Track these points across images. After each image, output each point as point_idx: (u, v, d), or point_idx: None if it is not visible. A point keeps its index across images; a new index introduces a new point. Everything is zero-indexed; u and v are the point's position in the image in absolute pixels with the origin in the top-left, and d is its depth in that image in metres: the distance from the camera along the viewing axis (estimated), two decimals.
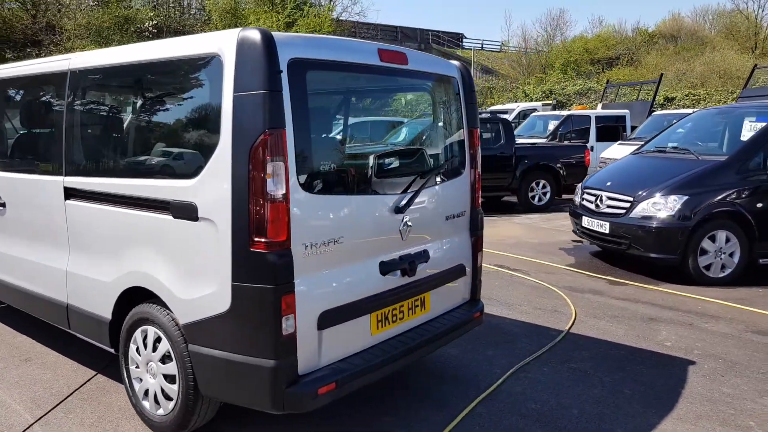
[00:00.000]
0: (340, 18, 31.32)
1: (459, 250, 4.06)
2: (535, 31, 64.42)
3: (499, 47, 49.53)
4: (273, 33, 2.82)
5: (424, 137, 4.28)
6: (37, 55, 20.62)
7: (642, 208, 6.93)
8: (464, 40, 50.17)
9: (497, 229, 10.16)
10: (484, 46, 49.91)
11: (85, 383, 4.07)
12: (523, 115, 19.33)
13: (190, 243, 3.06)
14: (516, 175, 12.20)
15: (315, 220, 3.00)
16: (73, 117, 3.82)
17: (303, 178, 2.91)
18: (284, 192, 2.78)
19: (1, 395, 3.91)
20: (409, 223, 3.52)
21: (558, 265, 7.62)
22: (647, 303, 6.06)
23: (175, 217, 3.11)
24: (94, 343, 3.82)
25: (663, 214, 6.74)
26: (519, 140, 15.55)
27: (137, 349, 3.47)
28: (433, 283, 3.77)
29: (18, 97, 4.69)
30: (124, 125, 3.77)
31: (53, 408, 3.73)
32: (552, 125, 15.89)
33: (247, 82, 2.75)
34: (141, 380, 3.49)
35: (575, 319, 5.55)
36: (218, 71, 2.86)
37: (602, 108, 18.16)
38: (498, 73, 42.28)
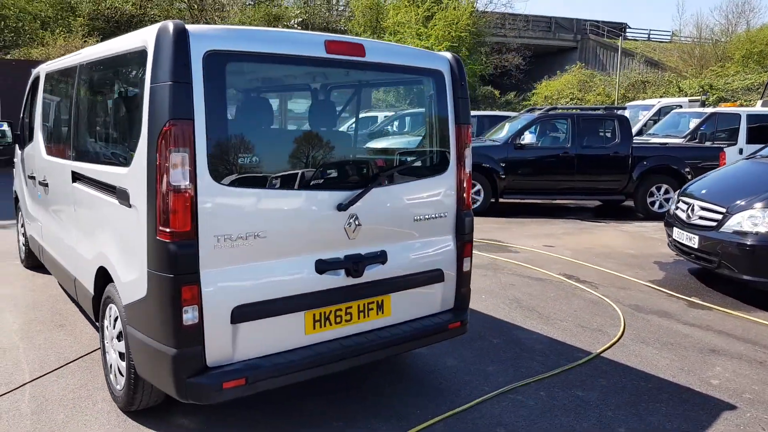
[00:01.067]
0: (486, 9, 30.65)
1: (437, 253, 3.77)
2: (713, 19, 57.92)
3: (669, 38, 45.27)
4: (191, 26, 2.82)
5: (386, 133, 4.03)
6: None
7: (736, 222, 5.95)
8: (627, 30, 46.57)
9: (593, 236, 9.33)
10: (651, 36, 45.95)
11: (89, 353, 4.42)
12: (665, 112, 17.50)
13: (127, 227, 3.17)
14: (632, 178, 11.10)
15: (230, 213, 2.95)
16: (72, 106, 4.22)
17: (217, 170, 2.87)
18: (188, 183, 2.77)
19: (20, 355, 4.38)
20: (358, 222, 3.34)
21: (638, 280, 6.81)
22: (720, 332, 5.19)
23: (119, 202, 3.24)
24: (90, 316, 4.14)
25: (762, 230, 5.73)
26: (652, 139, 14.15)
27: (106, 326, 3.69)
28: (394, 286, 3.54)
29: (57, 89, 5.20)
30: (89, 115, 4.13)
31: (50, 372, 4.10)
32: (694, 124, 14.22)
33: (160, 73, 2.78)
34: (108, 354, 3.71)
35: (617, 341, 4.92)
36: (144, 64, 2.93)
37: (762, 105, 15.84)
38: (665, 66, 38.66)
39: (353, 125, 3.80)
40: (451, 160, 3.78)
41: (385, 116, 4.73)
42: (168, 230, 2.79)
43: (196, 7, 25.95)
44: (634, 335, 5.08)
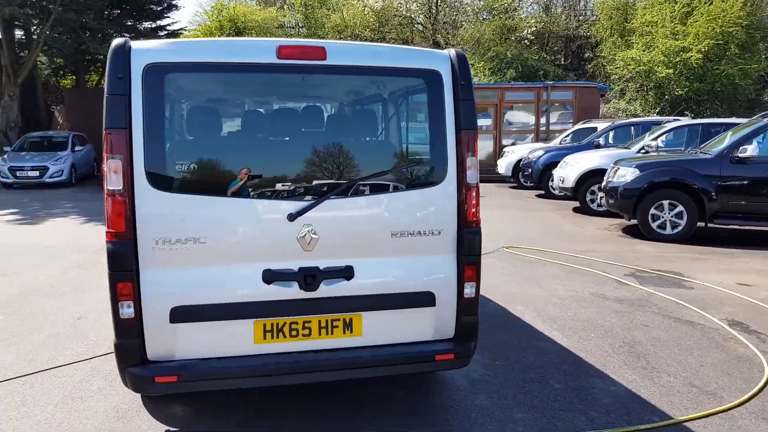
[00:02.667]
0: None
1: (426, 274, 3.38)
2: None
3: None
4: (136, 42, 3.05)
5: (356, 139, 3.64)
6: None
7: None
8: None
9: None
10: None
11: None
12: None
13: None
14: None
15: (168, 217, 3.06)
16: None
17: (154, 176, 3.03)
18: (121, 188, 2.98)
19: (33, 342, 5.10)
20: (315, 234, 3.18)
21: None
22: None
23: None
24: None
25: None
26: None
27: None
28: (365, 305, 3.28)
29: None
30: None
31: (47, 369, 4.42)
32: None
33: (106, 86, 3.05)
34: None
35: (725, 410, 3.77)
36: None
37: None
38: None
39: (313, 133, 3.61)
40: (449, 171, 3.35)
41: (363, 122, 4.21)
42: (109, 231, 3.03)
43: (430, 27, 27.07)
44: (763, 407, 3.82)
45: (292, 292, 3.19)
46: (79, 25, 19.41)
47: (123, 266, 3.03)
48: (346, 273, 3.25)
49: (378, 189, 3.36)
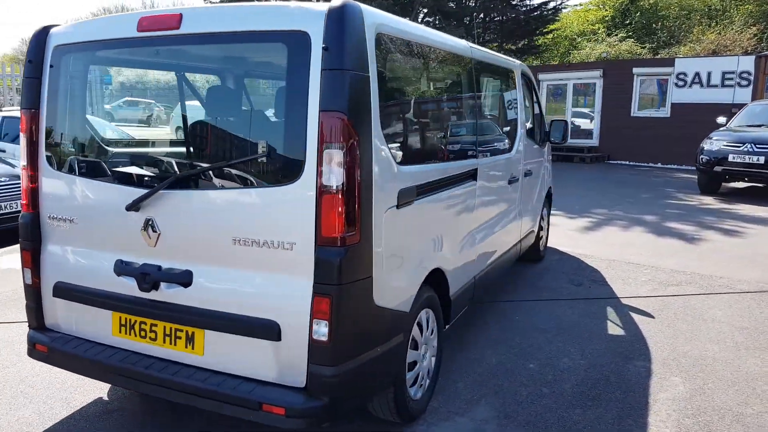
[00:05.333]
0: None
1: (273, 299, 2.61)
2: None
3: None
4: (56, 25, 3.11)
5: (211, 121, 2.70)
6: None
7: None
8: None
9: None
10: None
11: None
12: None
13: None
14: None
15: (55, 195, 3.10)
16: None
17: (50, 154, 3.10)
18: (25, 164, 3.14)
19: None
20: (156, 229, 2.78)
21: None
22: None
23: None
24: None
25: None
26: None
27: None
28: (206, 320, 2.74)
29: None
30: None
31: None
32: None
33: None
34: None
35: None
36: None
37: None
38: None
39: (167, 114, 2.94)
40: (307, 167, 2.48)
41: (218, 101, 2.91)
42: (23, 203, 3.25)
43: None
44: None
45: (134, 288, 2.87)
46: None
47: (25, 236, 3.20)
48: (184, 279, 2.75)
49: (222, 183, 2.71)
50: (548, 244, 7.29)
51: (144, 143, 3.23)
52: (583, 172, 15.68)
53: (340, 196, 2.45)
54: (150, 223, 2.79)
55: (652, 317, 5.04)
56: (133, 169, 2.94)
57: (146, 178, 2.86)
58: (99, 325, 3.05)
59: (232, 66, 3.16)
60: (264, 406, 2.56)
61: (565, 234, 8.15)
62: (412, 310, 3.10)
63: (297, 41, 2.46)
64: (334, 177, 2.44)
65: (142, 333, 2.92)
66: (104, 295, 2.98)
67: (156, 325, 2.87)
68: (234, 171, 2.68)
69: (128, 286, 2.90)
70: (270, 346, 2.62)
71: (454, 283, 3.71)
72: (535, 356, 4.22)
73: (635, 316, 5.05)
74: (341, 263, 2.47)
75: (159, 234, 2.79)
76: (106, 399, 3.60)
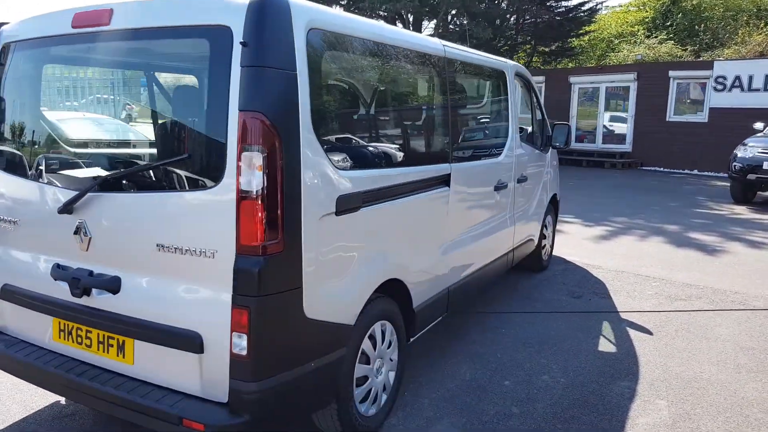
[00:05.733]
0: None
1: (196, 308, 2.50)
2: None
3: None
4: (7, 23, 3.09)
5: (142, 122, 2.57)
6: None
7: None
8: None
9: None
10: None
11: None
12: None
13: None
14: None
15: (2, 194, 3.06)
16: None
17: None
18: None
19: None
20: (88, 233, 2.70)
21: None
22: None
23: None
24: None
25: None
26: None
27: None
28: (133, 330, 2.64)
29: None
30: None
31: None
32: None
33: None
34: None
35: None
36: None
37: None
38: None
39: (100, 114, 2.83)
40: (227, 170, 2.36)
41: (150, 101, 2.77)
42: None
43: None
44: None
45: (68, 294, 2.80)
46: None
47: None
48: (112, 285, 2.66)
49: (148, 186, 2.62)
50: (556, 253, 7.01)
51: (79, 144, 3.16)
52: (612, 179, 15.18)
53: (260, 202, 2.31)
54: (81, 227, 2.72)
55: (650, 333, 4.74)
56: (67, 171, 2.87)
57: (78, 181, 2.78)
58: (41, 330, 2.99)
59: (160, 64, 3.06)
60: (185, 421, 2.44)
61: (578, 243, 7.84)
62: (359, 322, 2.94)
63: (219, 36, 2.35)
64: (254, 181, 2.31)
65: (79, 339, 2.84)
66: (43, 299, 2.92)
67: (90, 332, 2.79)
68: (157, 174, 2.58)
69: (64, 291, 2.83)
70: (195, 358, 2.50)
71: (420, 295, 3.53)
72: (514, 373, 4.00)
73: (632, 332, 4.76)
74: (261, 273, 2.34)
75: (90, 238, 2.71)
76: (63, 403, 3.56)
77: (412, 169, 3.38)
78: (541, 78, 19.82)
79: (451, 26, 21.54)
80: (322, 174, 2.59)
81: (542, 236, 6.14)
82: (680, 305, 5.42)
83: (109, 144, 2.89)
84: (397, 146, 3.46)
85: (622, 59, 23.98)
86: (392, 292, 3.30)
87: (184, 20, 2.46)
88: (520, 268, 6.18)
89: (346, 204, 2.75)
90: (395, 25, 21.82)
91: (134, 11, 2.59)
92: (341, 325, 2.80)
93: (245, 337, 2.37)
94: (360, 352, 3.02)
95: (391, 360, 3.35)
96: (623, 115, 18.45)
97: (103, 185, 2.67)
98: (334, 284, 2.73)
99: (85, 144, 3.00)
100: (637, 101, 17.73)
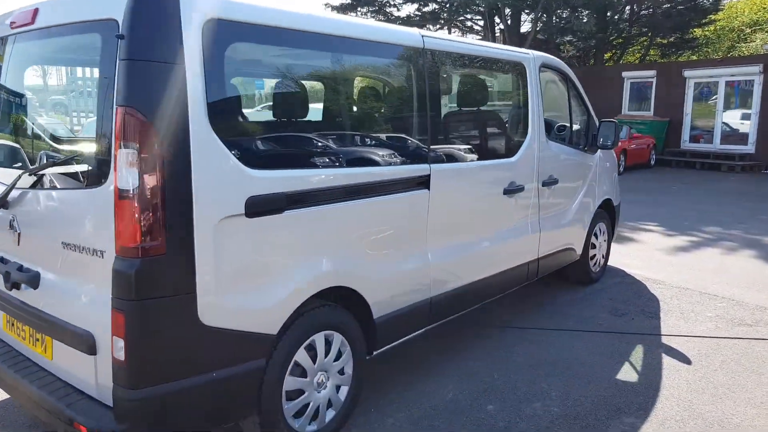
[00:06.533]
0: None
1: (91, 308, 2.44)
2: None
3: None
4: None
5: (59, 119, 2.44)
6: None
7: None
8: None
9: None
10: None
11: None
12: None
13: None
14: None
15: None
16: None
17: None
18: None
19: None
20: (18, 228, 2.74)
21: None
22: None
23: None
24: None
25: None
26: None
27: None
28: (49, 327, 2.64)
29: None
30: None
31: None
32: None
33: None
34: None
35: None
36: None
37: None
38: None
39: (23, 113, 2.75)
40: (112, 166, 2.27)
41: (65, 100, 2.45)
42: None
43: None
44: None
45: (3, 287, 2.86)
46: None
47: None
48: (33, 280, 2.68)
49: (53, 183, 2.58)
50: (616, 265, 6.35)
51: (16, 139, 3.22)
52: (725, 183, 13.64)
53: (136, 202, 2.20)
54: (12, 222, 2.76)
55: (688, 363, 4.09)
56: (5, 165, 2.94)
57: (8, 175, 2.83)
58: None
59: (71, 59, 3.03)
60: (75, 423, 2.39)
61: (648, 253, 7.05)
62: (287, 332, 2.75)
63: (108, 30, 2.26)
64: (131, 180, 2.20)
65: (19, 333, 2.90)
66: None
67: (25, 327, 2.84)
68: (63, 171, 2.55)
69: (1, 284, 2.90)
70: (91, 359, 2.44)
71: (384, 306, 3.26)
72: (503, 397, 3.60)
73: (666, 360, 4.14)
74: (137, 276, 2.22)
75: (19, 233, 2.75)
76: None
77: (368, 170, 3.11)
78: (651, 72, 18.29)
79: (555, 20, 20.50)
80: (224, 173, 2.43)
81: (590, 245, 5.56)
82: (740, 331, 4.66)
83: (31, 140, 2.91)
84: (341, 144, 3.21)
85: (754, 50, 21.60)
86: (346, 301, 3.08)
87: (85, 15, 2.41)
88: (564, 280, 5.65)
89: (262, 206, 2.56)
90: (492, 20, 21.14)
91: (50, 8, 2.58)
92: (257, 335, 2.62)
93: (122, 341, 2.26)
94: (293, 363, 2.83)
95: (342, 374, 3.11)
96: (747, 112, 16.54)
97: (25, 181, 2.69)
98: (245, 291, 2.56)
99: (17, 140, 3.05)
100: (762, 97, 15.81)
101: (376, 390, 3.59)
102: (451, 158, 3.76)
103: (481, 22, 21.90)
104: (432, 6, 21.67)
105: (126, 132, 2.17)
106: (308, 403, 2.94)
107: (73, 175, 2.53)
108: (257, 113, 2.86)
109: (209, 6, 2.38)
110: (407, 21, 21.95)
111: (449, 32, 24.96)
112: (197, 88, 2.30)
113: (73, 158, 2.52)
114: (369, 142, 3.31)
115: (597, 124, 5.31)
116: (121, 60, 2.18)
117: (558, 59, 5.04)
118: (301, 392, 2.90)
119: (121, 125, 2.18)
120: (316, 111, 3.27)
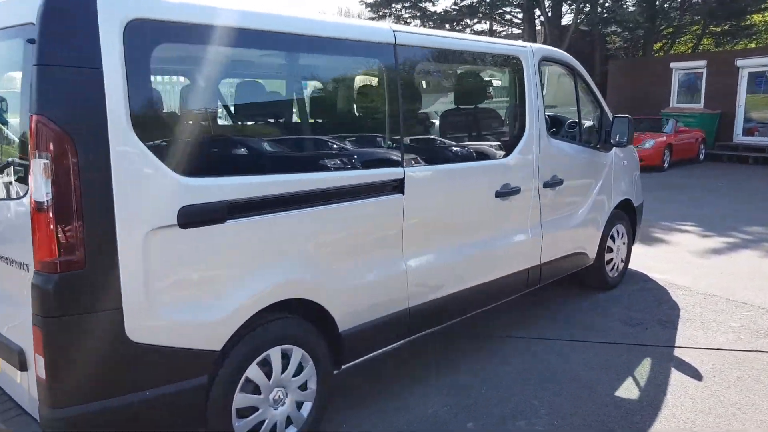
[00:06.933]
0: None
1: (20, 323, 2.37)
2: None
3: None
4: None
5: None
6: None
7: None
8: None
9: None
10: None
11: None
12: None
13: None
14: None
15: None
16: None
17: None
18: None
19: None
20: None
21: None
22: None
23: None
24: None
25: None
26: None
27: None
28: None
29: None
30: None
31: None
32: None
33: None
34: None
35: None
36: None
37: None
38: None
39: None
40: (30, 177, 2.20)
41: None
42: None
43: None
44: None
45: None
46: None
47: None
48: None
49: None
50: (640, 268, 5.98)
51: None
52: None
53: (50, 214, 2.11)
54: None
55: (699, 379, 3.76)
56: None
57: None
58: None
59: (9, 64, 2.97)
60: None
61: (678, 256, 6.61)
62: (235, 347, 2.62)
63: (28, 35, 2.18)
64: (44, 191, 2.11)
65: None
66: None
67: None
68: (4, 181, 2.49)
69: None
70: (24, 375, 2.38)
71: (351, 317, 3.10)
72: (488, 413, 3.38)
73: (675, 375, 3.81)
74: (54, 292, 2.13)
75: None
76: None
77: (322, 175, 2.94)
78: (702, 62, 17.37)
79: (598, 10, 19.75)
80: (151, 182, 2.31)
81: (605, 249, 5.23)
82: (765, 344, 4.26)
83: None
84: (300, 150, 3.04)
85: None
86: (307, 313, 2.93)
87: (11, 20, 2.34)
88: (579, 285, 5.34)
89: (198, 216, 2.44)
90: (532, 13, 20.55)
91: None
92: (196, 351, 2.50)
93: (42, 360, 2.18)
94: (243, 379, 2.70)
95: (305, 390, 2.96)
96: None
97: None
98: (182, 306, 2.44)
99: None
100: None
101: (355, 404, 3.44)
102: (431, 160, 3.55)
103: (521, 15, 21.32)
104: (470, 0, 21.22)
105: (39, 141, 2.09)
106: (263, 421, 2.80)
107: (8, 186, 2.47)
108: (194, 117, 2.72)
109: (132, 5, 2.26)
110: (444, 16, 21.59)
111: (490, 26, 24.40)
112: (117, 93, 2.19)
113: (5, 168, 2.46)
114: (331, 145, 3.14)
115: (611, 120, 4.97)
116: (33, 65, 2.09)
117: (563, 52, 4.73)
118: (254, 409, 2.77)
119: (34, 134, 2.09)
120: (266, 114, 3.13)
